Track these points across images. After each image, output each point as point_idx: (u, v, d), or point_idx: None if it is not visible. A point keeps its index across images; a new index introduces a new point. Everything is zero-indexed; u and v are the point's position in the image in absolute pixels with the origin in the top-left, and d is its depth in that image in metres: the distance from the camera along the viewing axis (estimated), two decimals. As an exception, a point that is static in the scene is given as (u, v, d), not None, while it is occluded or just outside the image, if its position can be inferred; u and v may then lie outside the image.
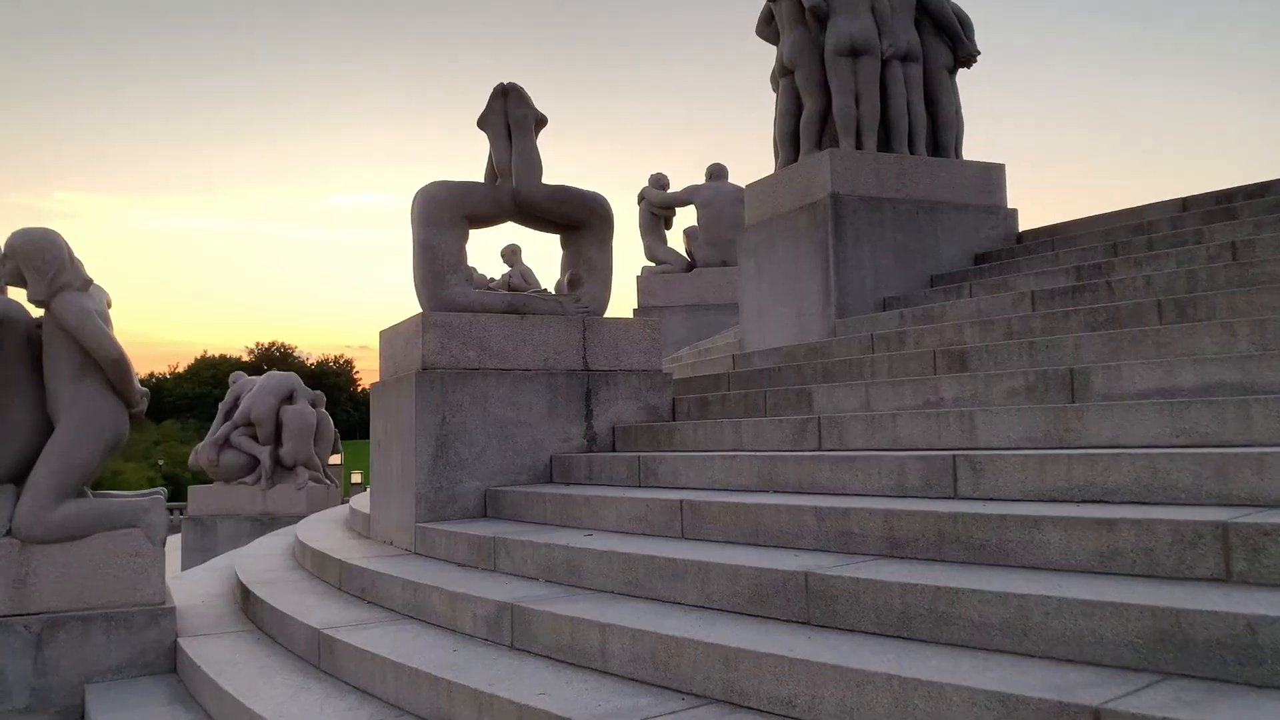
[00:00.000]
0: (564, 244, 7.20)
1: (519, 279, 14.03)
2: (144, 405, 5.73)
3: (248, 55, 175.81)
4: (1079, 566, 3.13)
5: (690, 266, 13.62)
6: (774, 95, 8.64)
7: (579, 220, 6.97)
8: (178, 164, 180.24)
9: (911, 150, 8.06)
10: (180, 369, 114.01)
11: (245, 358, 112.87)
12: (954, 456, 3.91)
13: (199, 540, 12.97)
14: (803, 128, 8.13)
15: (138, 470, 59.27)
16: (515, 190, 6.74)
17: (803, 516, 3.90)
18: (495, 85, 7.00)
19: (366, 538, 7.03)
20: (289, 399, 13.53)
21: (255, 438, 13.32)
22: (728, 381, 6.94)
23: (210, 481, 13.53)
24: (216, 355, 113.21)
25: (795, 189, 7.95)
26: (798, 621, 3.36)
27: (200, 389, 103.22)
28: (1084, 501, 3.55)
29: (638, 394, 6.68)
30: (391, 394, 6.59)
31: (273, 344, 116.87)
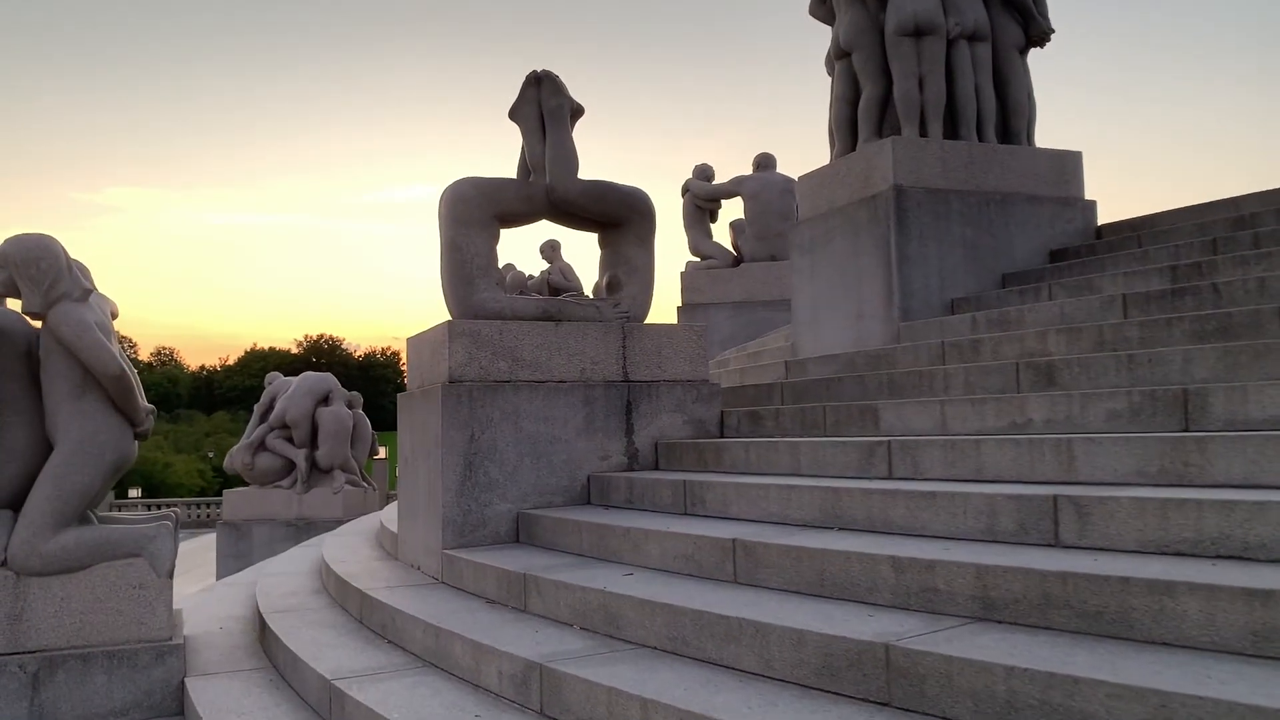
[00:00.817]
0: (602, 243, 6.69)
1: (558, 276, 13.54)
2: (150, 424, 5.32)
3: (296, 51, 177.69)
4: (1226, 646, 2.55)
5: (737, 261, 13.04)
6: (829, 80, 8.03)
7: (618, 218, 6.45)
8: (228, 159, 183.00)
9: (980, 137, 7.40)
10: (231, 361, 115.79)
11: (294, 350, 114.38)
12: (1054, 496, 3.33)
13: (234, 545, 12.72)
14: (861, 114, 7.51)
15: (188, 463, 60.06)
16: (549, 187, 6.23)
17: (878, 567, 3.34)
18: (528, 73, 6.50)
19: (394, 558, 6.59)
20: (325, 400, 13.21)
21: (291, 440, 13.02)
22: (781, 392, 6.38)
23: (246, 485, 13.29)
24: (266, 348, 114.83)
25: (853, 180, 7.34)
26: (876, 702, 2.82)
27: (250, 381, 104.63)
28: (1219, 558, 2.96)
29: (682, 407, 6.15)
30: (418, 406, 6.13)
31: (321, 336, 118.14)
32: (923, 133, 7.24)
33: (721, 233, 13.74)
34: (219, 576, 12.65)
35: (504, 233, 6.41)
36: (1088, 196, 7.51)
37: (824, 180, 7.74)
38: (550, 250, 13.82)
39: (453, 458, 5.56)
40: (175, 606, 6.03)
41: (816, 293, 7.60)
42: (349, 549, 7.36)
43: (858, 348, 7.04)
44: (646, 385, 6.07)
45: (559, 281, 13.48)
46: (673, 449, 5.89)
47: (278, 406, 13.13)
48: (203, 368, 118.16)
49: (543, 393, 5.81)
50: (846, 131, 7.68)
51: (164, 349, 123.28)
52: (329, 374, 13.75)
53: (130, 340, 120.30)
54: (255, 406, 13.64)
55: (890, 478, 4.39)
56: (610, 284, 6.48)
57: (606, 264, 6.60)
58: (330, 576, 6.34)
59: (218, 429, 69.57)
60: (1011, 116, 7.56)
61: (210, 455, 58.65)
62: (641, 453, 6.00)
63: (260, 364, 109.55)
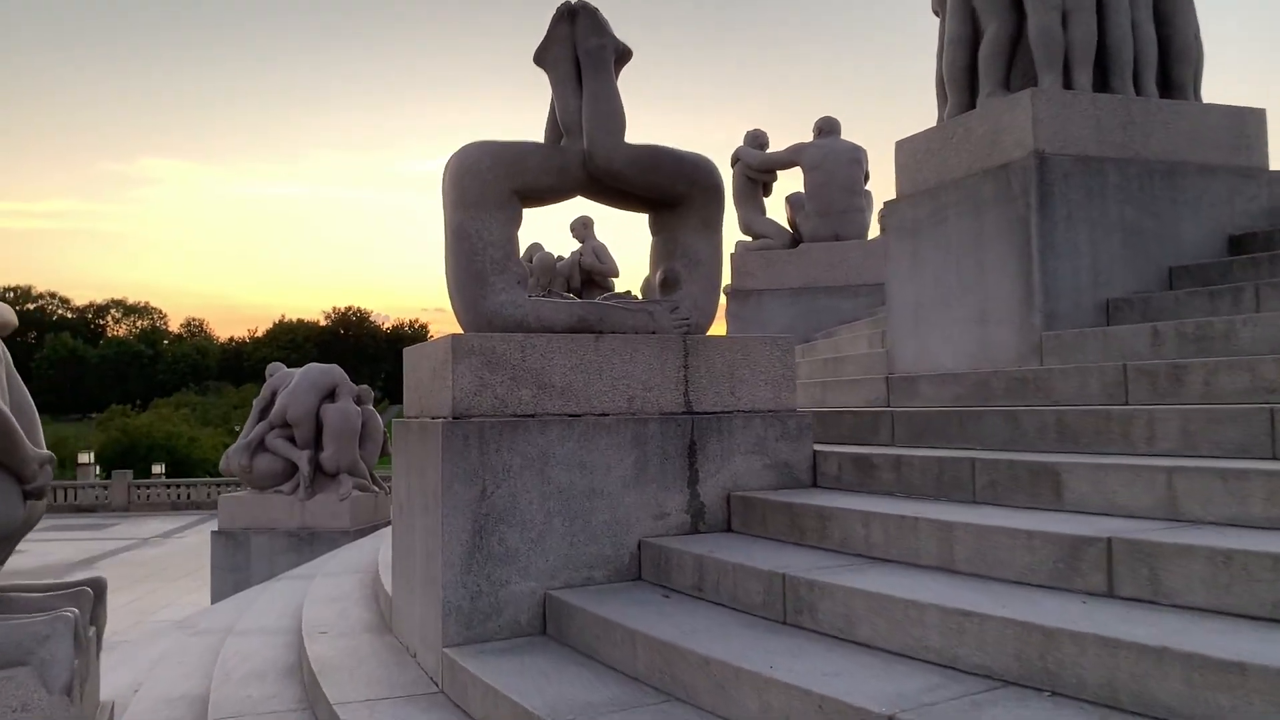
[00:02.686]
0: (654, 227, 5.16)
1: (591, 258, 12.01)
2: (46, 478, 3.89)
3: (327, 24, 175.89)
4: None
5: (795, 241, 11.46)
6: (936, 20, 6.41)
7: (675, 195, 4.92)
8: (261, 130, 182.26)
9: (1137, 90, 5.78)
10: (259, 333, 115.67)
11: (323, 322, 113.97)
12: None
13: (229, 557, 11.42)
14: (983, 60, 5.89)
15: (214, 436, 59.38)
16: (587, 153, 4.71)
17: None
18: (559, 5, 4.95)
19: (389, 631, 5.16)
20: (330, 396, 11.83)
21: (293, 440, 11.67)
22: (891, 425, 4.85)
23: (243, 488, 11.98)
24: (294, 320, 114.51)
25: (975, 145, 5.74)
26: None
27: (278, 353, 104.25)
28: None
29: (763, 446, 4.63)
30: (414, 443, 4.67)
31: (349, 309, 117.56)
32: (1068, 83, 5.62)
33: (776, 209, 12.15)
34: (213, 590, 11.38)
35: (527, 213, 4.90)
36: (1275, 166, 5.88)
37: (932, 146, 6.13)
38: (582, 228, 12.27)
39: (457, 520, 4.10)
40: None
41: (921, 288, 6.03)
42: (336, 606, 5.94)
43: (983, 363, 5.48)
44: (715, 418, 4.57)
45: (591, 264, 11.95)
46: (752, 506, 4.38)
47: (278, 402, 11.76)
48: (232, 339, 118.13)
49: (579, 431, 4.33)
50: (962, 83, 6.06)
51: (194, 320, 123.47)
52: (334, 366, 12.33)
53: (161, 311, 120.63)
54: (255, 401, 12.28)
55: (1112, 595, 2.86)
56: (665, 281, 4.96)
57: (660, 255, 5.07)
58: (304, 658, 4.92)
59: (245, 401, 68.83)
60: (1175, 63, 5.90)
61: (237, 429, 58.04)
62: (709, 509, 4.51)
63: (289, 336, 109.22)
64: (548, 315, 4.57)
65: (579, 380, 4.41)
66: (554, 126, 5.06)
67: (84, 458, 41.59)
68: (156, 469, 44.70)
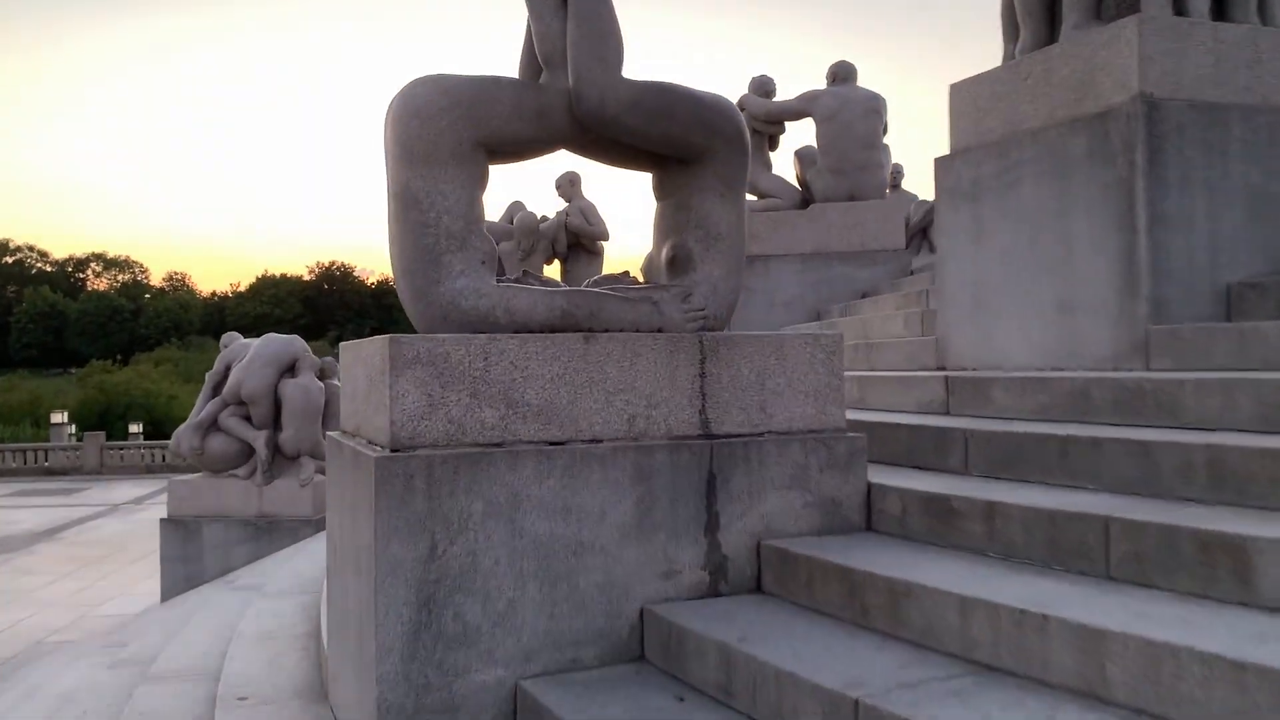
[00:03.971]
0: (660, 189, 4.03)
1: (579, 218, 10.81)
2: None
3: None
4: None
5: (805, 202, 10.31)
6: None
7: (689, 147, 3.79)
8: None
9: (1263, 18, 4.64)
10: (242, 288, 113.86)
11: (307, 276, 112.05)
12: None
13: (180, 548, 10.36)
14: (1070, -19, 4.73)
15: (195, 393, 58.12)
16: (574, 92, 3.57)
17: None
18: (537, -102, 3.77)
19: (324, 699, 4.11)
20: (290, 370, 10.69)
21: (249, 419, 10.55)
22: (964, 447, 3.78)
23: (195, 471, 10.89)
24: (277, 274, 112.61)
25: (1059, 89, 4.60)
26: None
27: (262, 308, 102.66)
28: None
29: (803, 478, 3.56)
30: (347, 473, 3.58)
31: (333, 263, 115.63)
32: (1179, 9, 4.47)
33: (784, 164, 10.96)
34: (163, 585, 10.34)
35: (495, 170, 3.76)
36: None
37: (999, 90, 4.98)
38: (568, 185, 11.04)
39: (395, 590, 3.03)
40: None
41: (984, 265, 4.93)
42: (268, 650, 4.88)
43: (1066, 361, 4.41)
44: (742, 443, 3.48)
45: (579, 225, 10.76)
46: (792, 563, 3.32)
47: (231, 377, 10.61)
48: (214, 293, 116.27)
49: (561, 464, 3.24)
50: (1039, 11, 4.89)
51: (175, 274, 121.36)
52: (295, 337, 11.16)
53: (142, 265, 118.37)
54: (207, 375, 11.14)
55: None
56: (674, 261, 3.84)
57: (666, 226, 3.95)
58: (214, 738, 3.88)
59: (227, 358, 67.39)
60: (1302, -12, 4.77)
61: (218, 386, 56.72)
62: (733, 563, 3.44)
63: (271, 291, 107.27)
64: (521, 308, 3.45)
65: (563, 396, 3.31)
66: (530, 59, 3.91)
67: (57, 417, 40.35)
68: (134, 428, 43.46)
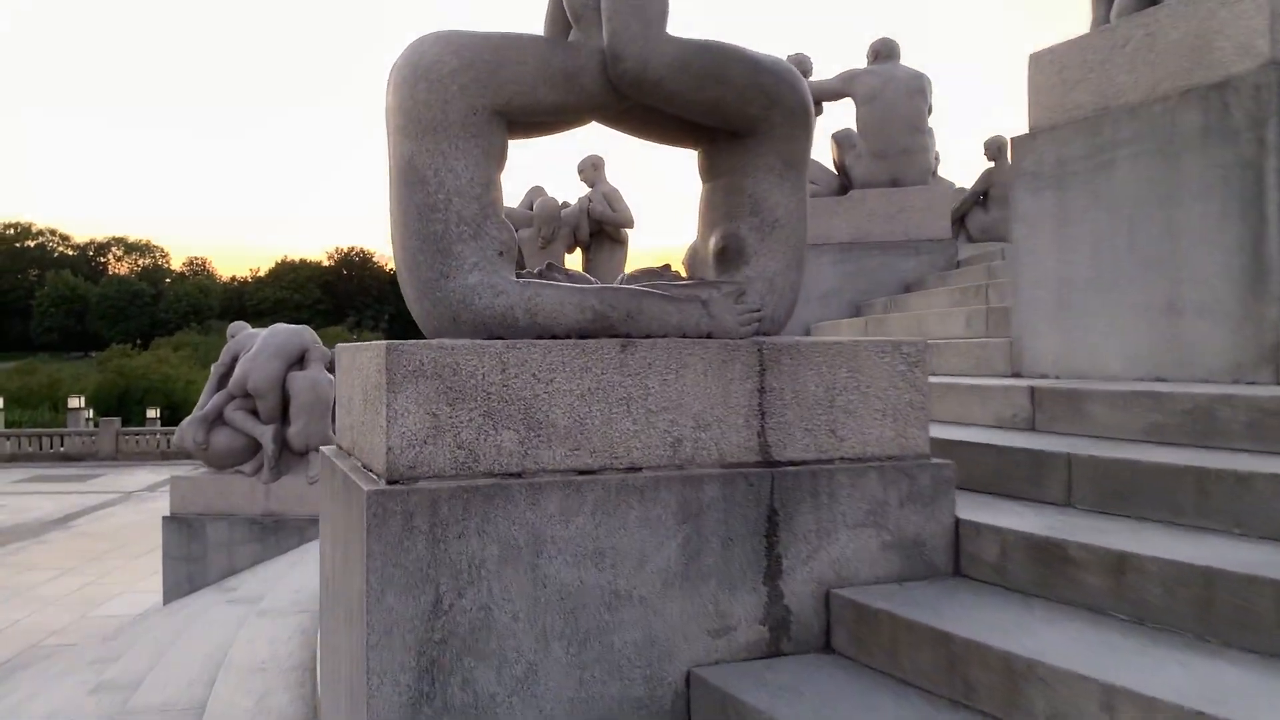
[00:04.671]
0: (708, 169, 3.45)
1: (602, 205, 10.22)
2: None
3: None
4: None
5: (844, 188, 9.69)
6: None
7: (744, 119, 3.21)
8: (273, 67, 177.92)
9: None
10: (261, 273, 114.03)
11: (326, 262, 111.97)
12: None
13: (184, 546, 9.89)
14: (1182, -70, 4.09)
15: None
16: (611, 52, 3.00)
17: None
18: None
19: (313, 751, 3.59)
20: (299, 362, 10.17)
21: (256, 413, 10.05)
22: (1066, 475, 3.19)
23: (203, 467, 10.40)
24: (296, 260, 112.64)
25: (1165, 55, 3.98)
26: None
27: (281, 293, 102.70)
28: None
29: (880, 515, 2.98)
30: (339, 500, 3.03)
31: (352, 249, 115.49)
32: (1313, -40, 3.84)
33: (821, 149, 10.33)
34: (164, 585, 9.88)
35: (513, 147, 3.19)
36: None
37: (1090, 58, 4.36)
38: (591, 169, 10.44)
39: (393, 652, 2.48)
40: None
41: (1071, 259, 4.31)
42: (258, 685, 4.36)
43: (1173, 370, 3.81)
44: (809, 473, 2.91)
45: (602, 212, 10.16)
46: (870, 621, 2.74)
47: (237, 369, 10.10)
48: (234, 278, 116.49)
49: (593, 498, 2.68)
50: (1141, -34, 4.27)
51: (196, 259, 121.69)
52: (304, 327, 10.64)
53: (163, 250, 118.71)
54: (213, 366, 10.65)
55: None
56: (725, 253, 3.27)
57: (715, 213, 3.37)
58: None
59: (246, 343, 67.26)
60: None
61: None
62: (798, 617, 2.87)
63: (291, 276, 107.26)
64: (546, 308, 2.88)
65: (595, 415, 2.75)
66: (558, 13, 3.34)
67: (74, 401, 40.19)
68: (151, 413, 43.27)
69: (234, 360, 10.46)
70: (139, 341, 79.38)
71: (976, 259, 8.95)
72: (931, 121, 10.21)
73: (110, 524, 18.19)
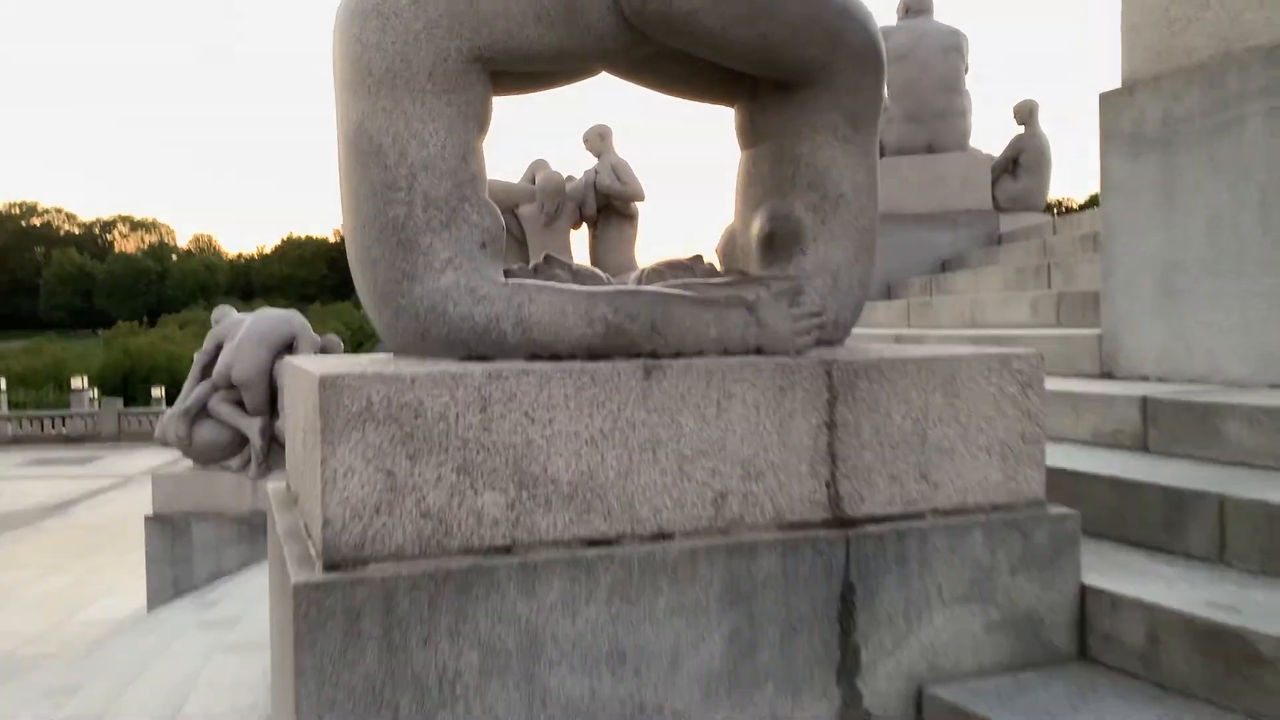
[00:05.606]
0: (749, 130, 2.72)
1: (609, 177, 9.45)
2: None
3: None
4: None
5: (874, 155, 8.94)
6: None
7: (798, 64, 2.46)
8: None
9: None
10: (268, 250, 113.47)
11: (333, 239, 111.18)
12: None
13: (168, 549, 9.26)
14: None
15: (220, 357, 57.49)
16: (625, -30, 2.25)
17: None
18: None
19: None
20: (287, 349, 9.47)
21: (242, 405, 9.37)
22: (1217, 523, 2.46)
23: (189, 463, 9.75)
24: (303, 236, 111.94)
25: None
26: None
27: (287, 269, 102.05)
28: None
29: (986, 583, 2.26)
30: (276, 573, 2.33)
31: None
32: None
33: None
34: (148, 588, 9.27)
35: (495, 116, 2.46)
36: None
37: (1205, -7, 3.58)
38: (598, 139, 9.66)
39: (336, 804, 1.78)
40: None
41: (1180, 238, 3.57)
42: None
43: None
44: (893, 532, 2.19)
45: (610, 185, 9.39)
46: (979, 736, 2.03)
47: (221, 358, 9.42)
48: (240, 255, 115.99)
49: (609, 579, 1.97)
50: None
51: (202, 236, 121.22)
52: (293, 312, 9.93)
53: (168, 227, 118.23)
54: (196, 355, 9.96)
55: None
56: (773, 238, 2.54)
57: (760, 186, 2.64)
58: None
59: (252, 320, 66.77)
60: None
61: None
62: (879, 726, 2.16)
63: (297, 252, 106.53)
64: (543, 319, 2.16)
65: (609, 466, 2.03)
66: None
67: (77, 382, 39.69)
68: (156, 392, 42.78)
69: (218, 348, 9.77)
70: (146, 319, 79.11)
71: (1021, 233, 8.18)
72: (968, 82, 9.41)
73: (105, 513, 17.64)
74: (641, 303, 2.17)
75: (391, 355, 2.34)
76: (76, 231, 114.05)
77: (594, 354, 2.15)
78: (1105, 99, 3.93)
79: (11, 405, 38.51)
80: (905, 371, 2.26)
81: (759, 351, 2.30)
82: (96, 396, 40.16)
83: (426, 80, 2.21)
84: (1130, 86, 3.82)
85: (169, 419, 9.59)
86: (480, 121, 2.32)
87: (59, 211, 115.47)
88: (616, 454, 2.03)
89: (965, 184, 8.49)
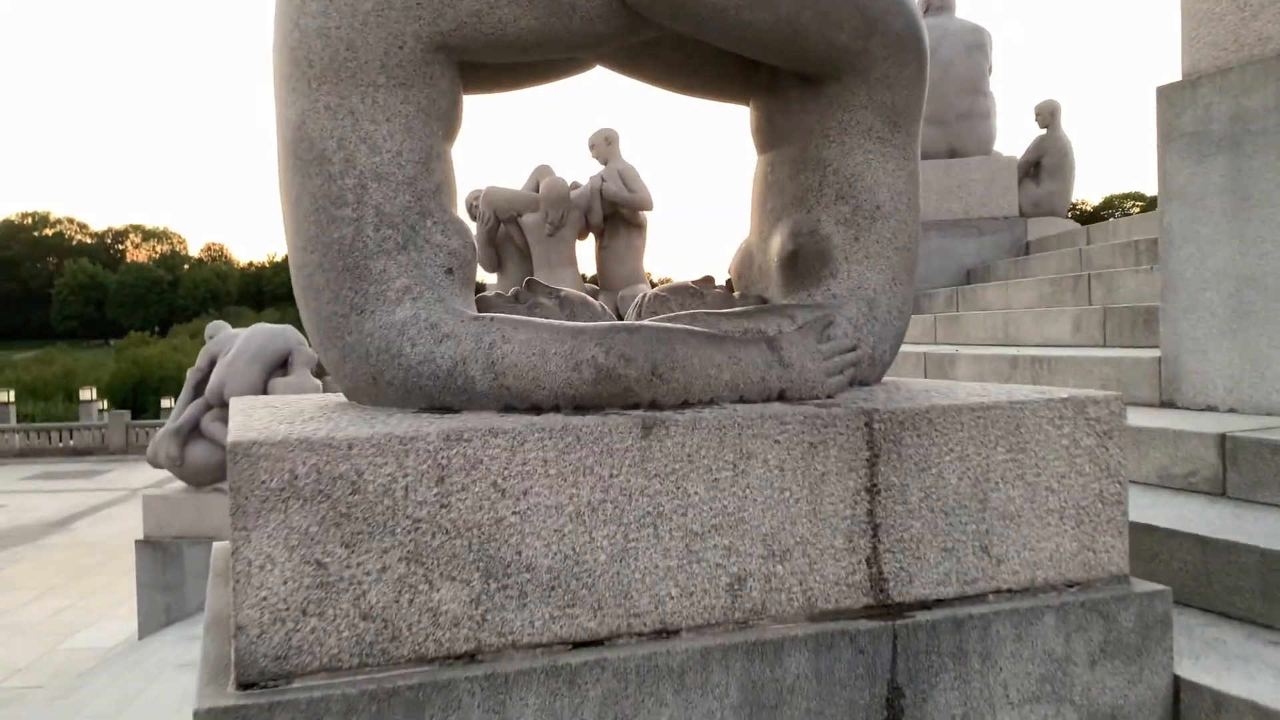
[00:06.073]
0: (766, 130, 2.32)
1: (616, 184, 9.06)
2: None
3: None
4: None
5: (893, 160, 8.53)
6: None
7: (826, 51, 2.06)
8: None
9: None
10: (279, 258, 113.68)
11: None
12: None
13: (160, 575, 8.90)
14: None
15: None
16: (617, -63, 1.85)
17: None
18: None
19: None
20: (282, 366, 9.12)
21: (236, 424, 9.01)
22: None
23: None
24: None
25: None
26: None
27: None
28: None
29: (1061, 679, 1.85)
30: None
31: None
32: None
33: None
34: (139, 615, 8.92)
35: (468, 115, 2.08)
36: None
37: (1285, -30, 3.17)
38: (604, 144, 9.28)
39: None
40: None
41: (1258, 250, 3.15)
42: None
43: None
44: (949, 620, 1.78)
45: (616, 192, 9.00)
46: None
47: (214, 376, 9.07)
48: (251, 264, 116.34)
49: (598, 691, 1.57)
50: None
51: (214, 245, 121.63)
52: (287, 327, 9.57)
53: (180, 236, 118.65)
54: (189, 372, 9.62)
55: None
56: (797, 258, 2.14)
57: (781, 195, 2.24)
58: None
59: (263, 329, 66.85)
60: None
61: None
62: None
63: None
64: (519, 363, 1.76)
65: (600, 547, 1.63)
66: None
67: (86, 394, 39.57)
68: (166, 403, 42.65)
69: (211, 364, 9.42)
70: (158, 329, 79.32)
71: (1051, 241, 7.75)
72: (992, 84, 9.00)
73: (107, 530, 17.33)
74: (639, 341, 1.78)
75: (344, 399, 1.96)
76: (88, 241, 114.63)
77: (581, 404, 1.76)
78: (1164, 94, 3.51)
79: (20, 417, 38.39)
80: (961, 421, 1.85)
81: (782, 397, 1.90)
82: (105, 408, 40.06)
83: (378, 72, 1.82)
84: (1193, 80, 3.41)
85: (160, 439, 9.23)
86: (446, 122, 1.93)
87: (71, 221, 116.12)
88: (608, 532, 1.64)
89: (990, 189, 8.08)
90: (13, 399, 37.73)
